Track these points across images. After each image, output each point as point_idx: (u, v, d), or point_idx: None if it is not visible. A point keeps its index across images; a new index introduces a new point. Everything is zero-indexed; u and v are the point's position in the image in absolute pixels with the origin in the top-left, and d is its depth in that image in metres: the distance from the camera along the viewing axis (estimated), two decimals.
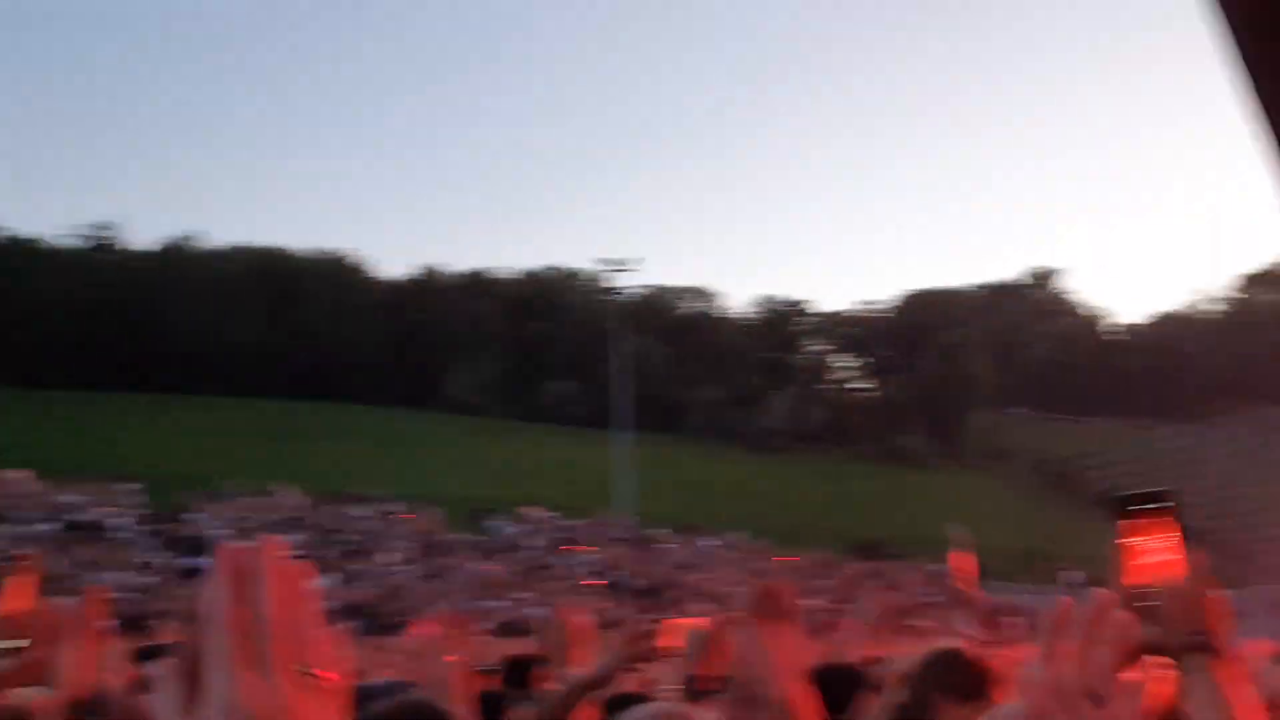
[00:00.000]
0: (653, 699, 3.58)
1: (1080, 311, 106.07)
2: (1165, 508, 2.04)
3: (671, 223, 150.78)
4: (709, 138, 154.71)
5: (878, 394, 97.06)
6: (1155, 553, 2.00)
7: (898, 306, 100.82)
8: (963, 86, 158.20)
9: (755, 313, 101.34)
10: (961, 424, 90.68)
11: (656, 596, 44.10)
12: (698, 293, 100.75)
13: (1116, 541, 2.01)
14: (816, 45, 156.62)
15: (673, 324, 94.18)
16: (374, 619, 30.33)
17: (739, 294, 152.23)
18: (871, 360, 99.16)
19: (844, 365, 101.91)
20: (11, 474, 45.18)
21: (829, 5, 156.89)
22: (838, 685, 3.42)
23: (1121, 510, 2.04)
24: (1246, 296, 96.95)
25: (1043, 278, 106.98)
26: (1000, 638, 5.21)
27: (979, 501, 71.38)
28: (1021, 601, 28.86)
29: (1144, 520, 2.03)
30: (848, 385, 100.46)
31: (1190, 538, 2.00)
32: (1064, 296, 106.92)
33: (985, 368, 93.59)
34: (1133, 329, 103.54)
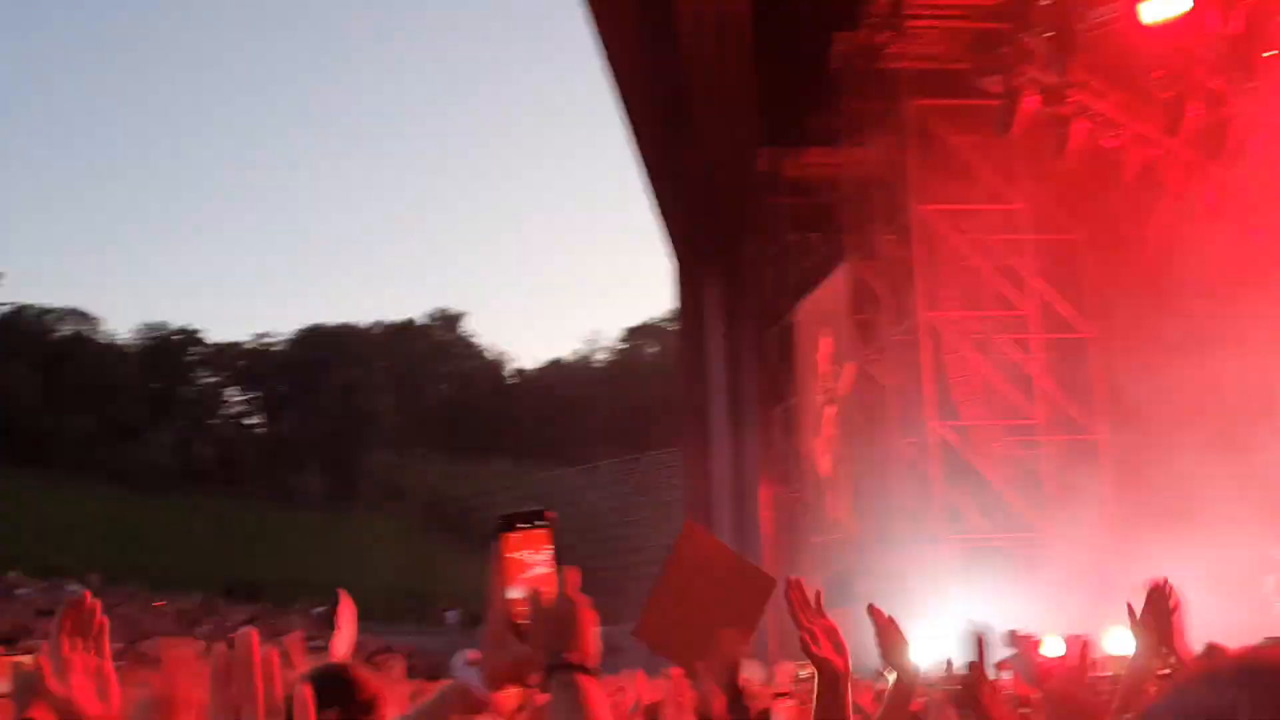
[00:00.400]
0: None
1: (481, 355, 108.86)
2: (541, 525, 2.07)
3: (46, 237, 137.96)
4: (94, 150, 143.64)
5: (272, 431, 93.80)
6: (531, 568, 2.04)
7: (295, 340, 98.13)
8: (379, 126, 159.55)
9: (140, 340, 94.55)
10: (359, 464, 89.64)
11: (12, 645, 39.18)
12: (73, 314, 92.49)
13: (497, 559, 2.03)
14: (214, 67, 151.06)
15: (41, 347, 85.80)
16: None
17: (123, 319, 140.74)
18: (266, 395, 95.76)
19: (237, 400, 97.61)
20: None
21: (227, 17, 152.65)
22: None
23: (502, 527, 2.06)
24: (631, 347, 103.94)
25: (445, 319, 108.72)
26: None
27: (370, 543, 71.14)
28: (402, 642, 29.64)
29: (522, 537, 2.05)
30: (240, 421, 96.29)
31: (562, 556, 2.03)
32: (466, 339, 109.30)
33: (386, 407, 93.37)
34: (528, 374, 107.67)
